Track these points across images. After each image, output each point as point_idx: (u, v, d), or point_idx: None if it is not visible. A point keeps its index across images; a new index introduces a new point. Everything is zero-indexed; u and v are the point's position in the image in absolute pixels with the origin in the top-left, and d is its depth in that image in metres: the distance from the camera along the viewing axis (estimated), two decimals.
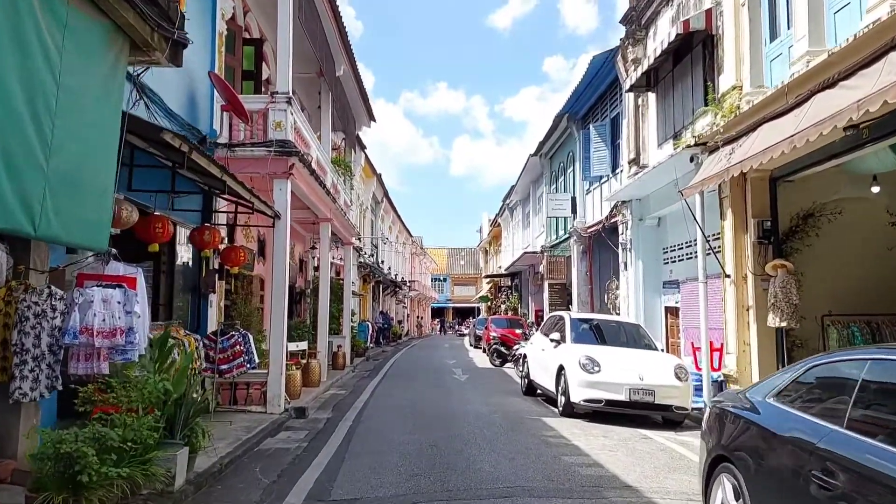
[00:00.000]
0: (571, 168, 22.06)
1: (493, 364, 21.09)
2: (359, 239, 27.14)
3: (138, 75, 6.91)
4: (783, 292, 9.33)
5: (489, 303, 51.58)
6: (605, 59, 16.48)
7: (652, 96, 14.90)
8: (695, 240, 12.88)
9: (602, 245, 19.26)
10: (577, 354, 10.64)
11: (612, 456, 7.78)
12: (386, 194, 35.54)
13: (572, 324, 11.83)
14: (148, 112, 7.83)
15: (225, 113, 10.94)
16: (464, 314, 76.53)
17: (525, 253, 27.92)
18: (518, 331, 25.09)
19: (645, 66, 14.18)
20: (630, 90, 14.96)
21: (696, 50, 12.64)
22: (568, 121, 21.09)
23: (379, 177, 31.50)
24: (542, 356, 12.30)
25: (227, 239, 11.27)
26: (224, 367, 9.63)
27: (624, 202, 15.75)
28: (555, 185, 24.23)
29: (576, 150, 21.05)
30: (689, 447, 8.52)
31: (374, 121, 21.14)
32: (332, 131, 20.29)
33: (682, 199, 12.02)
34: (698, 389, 10.77)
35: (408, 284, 50.90)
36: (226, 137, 10.93)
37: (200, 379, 7.86)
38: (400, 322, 48.59)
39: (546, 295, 25.24)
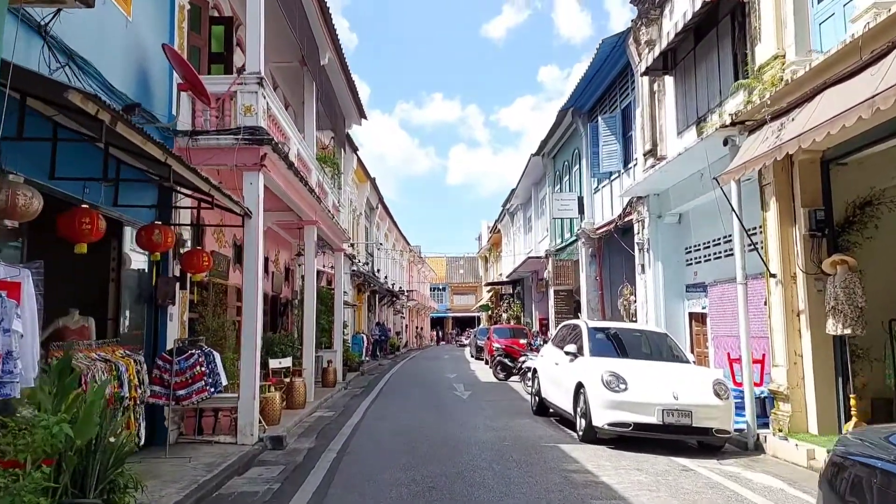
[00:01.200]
0: (577, 166, 20.61)
1: (496, 378, 19.55)
2: (352, 246, 25.64)
3: (46, 24, 5.44)
4: (846, 293, 7.83)
5: (490, 312, 50.03)
6: (615, 44, 15.06)
7: (669, 80, 13.46)
8: (727, 236, 11.43)
9: (613, 247, 17.78)
10: (598, 370, 9.12)
11: (654, 499, 6.25)
12: (381, 200, 34.06)
13: (590, 334, 10.32)
14: (80, 86, 6.36)
15: (187, 97, 9.47)
16: (464, 324, 74.93)
17: (529, 258, 26.43)
18: (522, 341, 23.55)
19: (661, 47, 12.77)
20: (645, 73, 13.52)
21: (722, 23, 11.21)
22: (573, 115, 19.66)
23: (373, 181, 30.02)
24: (555, 371, 10.78)
25: (190, 242, 9.76)
26: (181, 392, 8.09)
27: (640, 198, 14.28)
28: (559, 186, 22.78)
29: (582, 147, 19.61)
30: (742, 482, 7.00)
31: (366, 118, 19.70)
32: (319, 130, 18.89)
33: (719, 188, 10.57)
34: (739, 408, 9.25)
35: (406, 294, 49.34)
36: (188, 124, 9.45)
37: (127, 412, 6.31)
38: (398, 333, 46.99)
39: (551, 302, 23.74)
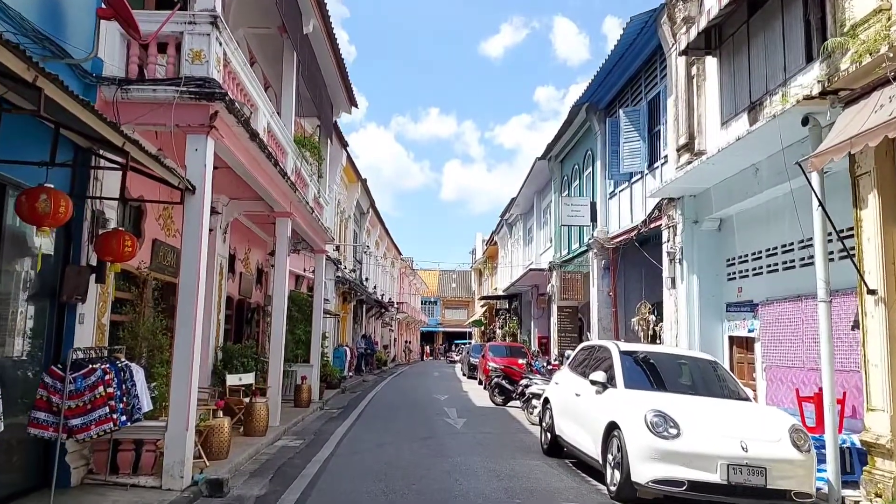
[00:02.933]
0: (590, 169, 18.56)
1: (493, 402, 17.34)
2: (337, 249, 23.46)
3: None
4: None
5: (483, 328, 47.85)
6: (646, 22, 13.05)
7: (712, 63, 11.45)
8: (787, 244, 9.35)
9: (631, 259, 15.71)
10: (639, 407, 6.98)
11: None
12: (373, 204, 31.91)
13: (623, 359, 8.16)
14: None
15: (121, 36, 7.35)
16: (454, 339, 72.76)
17: (530, 270, 24.29)
18: (521, 361, 21.32)
19: (703, 23, 10.74)
20: (684, 53, 11.48)
21: None
22: (587, 112, 17.63)
23: (364, 182, 27.88)
24: (576, 404, 8.62)
25: (117, 222, 7.59)
26: (75, 421, 5.89)
27: (671, 200, 12.20)
28: (567, 192, 20.72)
29: (596, 147, 17.58)
30: None
31: (356, 105, 17.62)
32: (303, 116, 16.82)
33: (778, 185, 8.58)
34: (818, 461, 7.12)
35: (395, 306, 47.08)
36: (119, 70, 7.32)
37: None
38: (386, 347, 44.68)
39: (554, 319, 21.64)
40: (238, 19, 12.25)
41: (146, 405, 6.91)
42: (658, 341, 13.25)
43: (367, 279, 33.69)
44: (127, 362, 6.78)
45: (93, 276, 7.14)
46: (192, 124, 7.25)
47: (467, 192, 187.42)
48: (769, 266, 9.95)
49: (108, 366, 6.23)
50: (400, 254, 47.77)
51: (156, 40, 7.40)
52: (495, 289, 40.92)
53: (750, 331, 10.40)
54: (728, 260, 11.24)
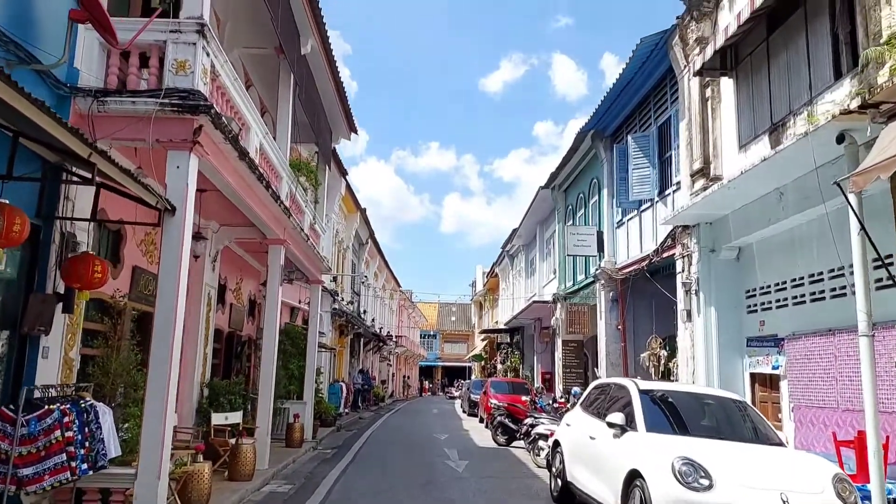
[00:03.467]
0: (596, 198, 18.00)
1: (496, 441, 16.48)
2: (334, 280, 22.78)
3: None
4: None
5: (483, 362, 46.87)
6: (656, 44, 12.59)
7: (727, 84, 10.94)
8: (817, 274, 8.71)
9: (640, 290, 15.04)
10: (664, 454, 6.24)
11: None
12: (372, 235, 31.30)
13: (643, 399, 7.43)
14: None
15: (100, 46, 6.80)
16: (454, 374, 71.61)
17: (533, 302, 23.56)
18: (524, 398, 20.51)
19: (720, 41, 10.25)
20: (699, 74, 10.97)
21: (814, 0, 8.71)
22: (593, 139, 17.13)
23: (363, 212, 27.30)
24: (591, 449, 7.86)
25: (91, 245, 6.94)
26: (27, 470, 5.16)
27: (685, 228, 11.58)
28: (572, 221, 20.12)
29: (602, 175, 17.04)
30: None
31: (356, 132, 17.12)
32: (302, 143, 16.31)
33: (804, 211, 7.98)
34: None
35: (394, 340, 46.17)
36: (98, 82, 6.75)
37: None
38: (383, 382, 43.66)
39: (559, 354, 20.86)
40: (233, 39, 11.78)
41: (113, 450, 6.18)
42: (673, 378, 12.51)
43: (364, 311, 32.93)
44: (92, 402, 6.06)
45: (60, 305, 6.48)
46: (173, 139, 6.65)
47: (467, 224, 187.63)
48: (795, 298, 9.27)
49: (68, 406, 5.52)
50: (399, 286, 47.04)
51: (137, 49, 6.87)
52: (496, 322, 40.12)
53: (774, 367, 9.68)
54: (748, 291, 10.57)
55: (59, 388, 5.94)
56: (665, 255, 12.51)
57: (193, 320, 11.12)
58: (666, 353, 14.24)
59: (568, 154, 19.22)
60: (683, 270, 11.61)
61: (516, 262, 33.32)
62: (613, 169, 15.86)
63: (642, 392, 7.60)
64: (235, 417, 10.73)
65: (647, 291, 15.14)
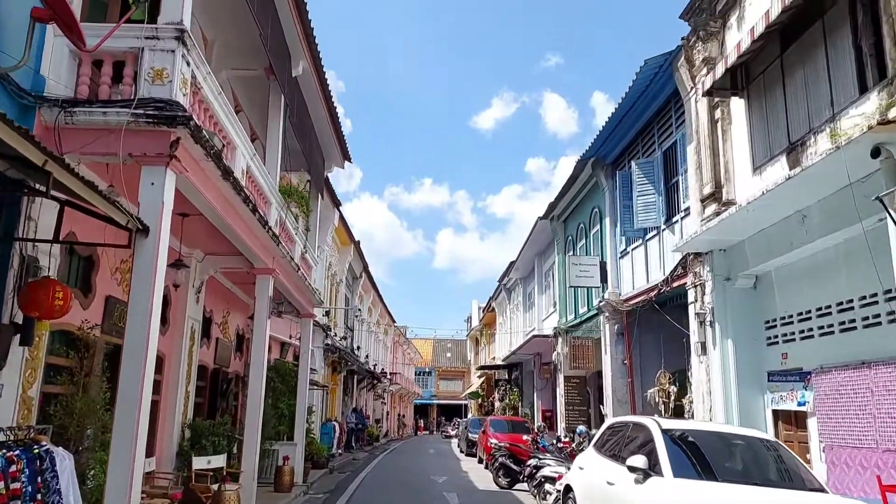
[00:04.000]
0: (598, 227, 17.44)
1: (497, 484, 15.57)
2: (326, 314, 22.02)
3: None
4: None
5: (480, 399, 45.78)
6: (660, 66, 12.17)
7: (738, 104, 10.47)
8: (846, 301, 8.09)
9: (647, 323, 14.37)
10: (697, 503, 5.51)
11: None
12: (366, 268, 30.63)
13: (667, 440, 6.71)
14: None
15: (70, 55, 6.24)
16: (450, 412, 70.20)
17: (534, 337, 22.81)
18: (526, 437, 19.66)
19: (731, 59, 9.80)
20: (708, 94, 10.50)
21: (832, 12, 8.27)
22: (594, 167, 16.66)
23: (357, 244, 26.69)
24: (610, 496, 7.10)
25: (57, 271, 6.26)
26: None
27: (697, 255, 10.99)
28: (572, 252, 19.53)
29: (604, 204, 16.51)
30: None
31: (349, 160, 16.58)
32: (292, 171, 15.76)
33: (832, 233, 7.41)
34: None
35: (388, 377, 45.11)
36: (68, 90, 6.17)
37: None
38: (378, 421, 42.49)
39: (561, 391, 20.07)
40: (222, 61, 11.29)
41: (73, 502, 5.41)
42: (686, 415, 11.76)
43: (358, 347, 32.07)
44: (49, 447, 5.31)
45: (17, 337, 5.78)
46: (147, 153, 6.05)
47: (460, 260, 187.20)
48: (822, 328, 8.63)
49: (16, 453, 4.79)
50: (394, 321, 46.17)
51: (111, 57, 6.31)
52: (493, 358, 39.24)
53: (800, 404, 8.98)
54: (768, 322, 9.92)
55: (9, 432, 5.20)
56: (675, 284, 11.89)
57: (175, 356, 10.40)
58: (675, 389, 13.54)
59: (567, 183, 18.73)
60: (696, 300, 10.98)
61: (514, 296, 32.64)
62: (617, 197, 15.33)
63: (665, 432, 6.88)
64: (219, 461, 9.93)
65: (654, 323, 14.48)
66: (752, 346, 10.05)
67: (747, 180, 10.06)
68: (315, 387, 18.86)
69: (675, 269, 11.84)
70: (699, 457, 6.82)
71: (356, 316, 29.71)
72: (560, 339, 20.13)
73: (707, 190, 10.90)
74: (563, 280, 20.74)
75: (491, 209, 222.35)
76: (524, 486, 14.33)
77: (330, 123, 14.85)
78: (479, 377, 46.08)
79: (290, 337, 18.17)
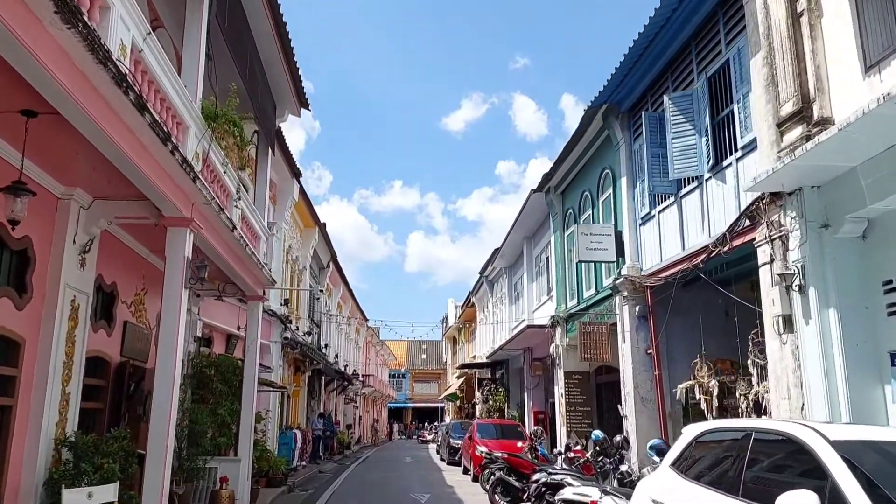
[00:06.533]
0: (609, 193, 14.58)
1: None
2: (286, 304, 18.83)
3: None
4: None
5: (458, 402, 42.78)
6: None
7: None
8: None
9: (676, 303, 11.46)
10: None
11: None
12: (334, 258, 27.41)
13: (849, 464, 3.75)
14: None
15: None
16: (425, 415, 67.21)
17: (528, 327, 19.82)
18: (520, 444, 16.74)
19: None
20: None
21: None
22: (605, 118, 13.79)
23: (322, 227, 23.48)
24: None
25: None
26: None
27: (774, 198, 8.12)
28: (574, 227, 16.64)
29: (617, 164, 13.65)
30: None
31: (307, 107, 13.48)
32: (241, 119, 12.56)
33: None
34: None
35: (361, 379, 41.85)
36: None
37: None
38: (349, 426, 39.21)
39: (560, 389, 17.19)
40: None
41: None
42: (747, 412, 8.91)
43: (326, 346, 28.82)
44: None
45: None
46: None
47: (432, 263, 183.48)
48: None
49: None
50: (366, 319, 42.92)
51: None
52: (474, 357, 36.26)
53: None
54: (886, 283, 7.08)
55: None
56: (737, 242, 9.01)
57: (44, 340, 7.20)
58: (716, 383, 10.73)
59: (570, 144, 15.84)
60: (774, 259, 8.10)
61: (497, 288, 29.71)
62: (640, 147, 12.48)
63: (837, 446, 3.93)
64: (105, 494, 6.78)
65: (686, 303, 11.68)
66: (864, 316, 7.19)
67: (854, 86, 7.22)
68: (269, 388, 15.67)
69: (738, 220, 8.96)
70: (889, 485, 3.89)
71: (317, 299, 26.36)
72: (559, 330, 17.24)
73: (788, 108, 8.03)
74: (561, 260, 17.87)
75: (462, 212, 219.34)
76: None
77: (282, 57, 11.77)
78: (459, 377, 43.05)
79: (239, 328, 14.97)
